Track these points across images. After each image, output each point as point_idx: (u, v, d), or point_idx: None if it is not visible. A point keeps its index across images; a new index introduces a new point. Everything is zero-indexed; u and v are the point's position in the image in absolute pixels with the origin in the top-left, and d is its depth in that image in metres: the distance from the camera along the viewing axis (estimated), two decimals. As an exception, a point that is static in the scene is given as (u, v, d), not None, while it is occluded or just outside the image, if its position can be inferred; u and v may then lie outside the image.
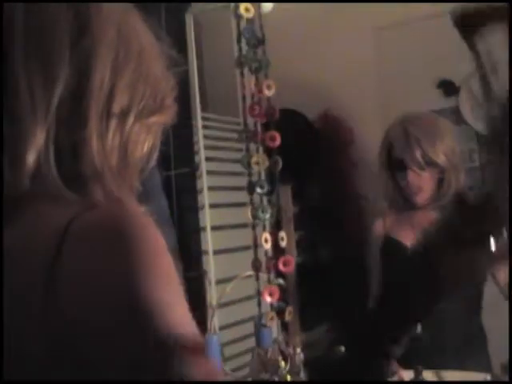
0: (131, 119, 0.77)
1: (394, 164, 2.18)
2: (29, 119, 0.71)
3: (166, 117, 0.84)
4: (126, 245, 0.65)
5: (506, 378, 1.82)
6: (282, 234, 1.68)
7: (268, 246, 1.66)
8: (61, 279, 0.65)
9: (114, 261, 0.65)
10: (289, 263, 1.67)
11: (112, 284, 0.64)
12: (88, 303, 0.64)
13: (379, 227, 2.30)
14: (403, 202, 2.24)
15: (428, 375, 1.80)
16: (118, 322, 0.64)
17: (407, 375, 1.83)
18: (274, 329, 1.71)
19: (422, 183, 2.14)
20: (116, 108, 0.75)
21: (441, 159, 2.13)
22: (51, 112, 0.72)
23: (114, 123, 0.75)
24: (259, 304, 1.67)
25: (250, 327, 1.80)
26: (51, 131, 0.72)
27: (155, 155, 0.85)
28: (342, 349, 1.83)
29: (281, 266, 1.67)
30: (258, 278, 1.67)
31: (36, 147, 0.71)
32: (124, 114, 0.76)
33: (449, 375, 1.89)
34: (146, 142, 0.81)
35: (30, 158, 0.71)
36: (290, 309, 1.69)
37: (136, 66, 0.78)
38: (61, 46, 0.72)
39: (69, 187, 0.73)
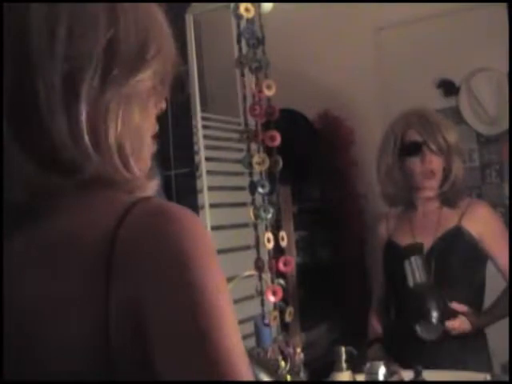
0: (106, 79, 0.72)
1: (407, 149, 2.18)
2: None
3: (151, 70, 0.76)
4: (185, 243, 0.65)
5: (506, 378, 1.82)
6: (283, 233, 1.68)
7: (270, 245, 1.66)
8: (120, 261, 0.64)
9: (169, 252, 0.65)
10: (289, 263, 1.67)
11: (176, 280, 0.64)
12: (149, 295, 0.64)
13: (382, 230, 2.29)
14: (406, 195, 2.22)
15: (428, 375, 1.80)
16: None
17: (407, 375, 1.83)
18: (273, 329, 1.71)
19: (436, 168, 2.14)
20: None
21: (453, 141, 2.15)
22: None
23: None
24: (262, 303, 1.67)
25: (250, 327, 1.80)
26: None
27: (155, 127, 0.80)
28: (354, 351, 1.83)
29: (281, 266, 1.67)
30: (261, 278, 1.67)
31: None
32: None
33: (449, 375, 1.89)
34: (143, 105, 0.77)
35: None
36: (290, 309, 1.69)
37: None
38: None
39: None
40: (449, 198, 2.17)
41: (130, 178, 0.73)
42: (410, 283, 2.01)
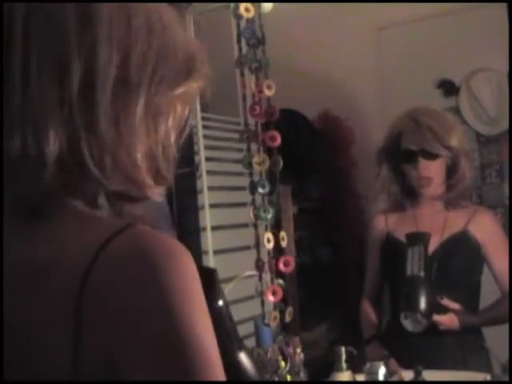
0: (147, 92, 0.71)
1: (403, 155, 2.17)
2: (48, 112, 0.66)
3: (197, 82, 0.77)
4: (159, 276, 0.62)
5: (506, 378, 1.82)
6: (283, 233, 1.68)
7: (270, 245, 1.66)
8: (91, 305, 0.62)
9: (148, 297, 0.62)
10: (289, 263, 1.67)
11: (150, 319, 0.61)
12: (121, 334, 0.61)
13: (380, 225, 2.28)
14: (406, 197, 2.22)
15: (428, 375, 1.80)
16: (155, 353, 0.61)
17: (407, 375, 1.83)
18: (274, 329, 1.71)
19: (433, 174, 2.13)
20: (128, 83, 0.70)
21: (454, 142, 2.13)
22: (68, 103, 0.67)
23: (127, 102, 0.70)
24: (262, 304, 1.67)
25: (250, 327, 1.80)
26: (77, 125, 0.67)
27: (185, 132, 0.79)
28: (354, 351, 1.83)
29: (281, 266, 1.67)
30: (261, 278, 1.67)
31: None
32: (137, 88, 0.70)
33: (449, 375, 1.89)
34: (171, 116, 0.75)
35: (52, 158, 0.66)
36: (289, 310, 1.69)
37: (146, 36, 0.71)
38: (68, 33, 0.68)
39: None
40: (453, 199, 2.17)
41: (143, 193, 0.71)
42: (408, 272, 2.01)
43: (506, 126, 2.84)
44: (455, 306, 2.05)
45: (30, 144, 0.65)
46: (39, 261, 0.66)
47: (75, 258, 0.63)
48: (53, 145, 0.65)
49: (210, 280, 0.93)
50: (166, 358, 0.61)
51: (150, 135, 0.72)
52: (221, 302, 0.96)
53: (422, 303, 1.96)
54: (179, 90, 0.74)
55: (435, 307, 2.00)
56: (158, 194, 0.74)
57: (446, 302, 2.03)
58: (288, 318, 1.68)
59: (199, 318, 0.63)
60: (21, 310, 0.65)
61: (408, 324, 1.98)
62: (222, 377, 0.64)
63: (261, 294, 1.65)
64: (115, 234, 0.64)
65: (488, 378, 1.83)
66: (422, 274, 2.00)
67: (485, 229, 2.16)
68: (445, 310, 2.03)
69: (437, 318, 2.00)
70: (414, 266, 2.01)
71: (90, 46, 0.68)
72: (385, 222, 2.28)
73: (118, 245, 0.63)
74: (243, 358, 0.99)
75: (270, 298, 1.65)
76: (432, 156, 2.12)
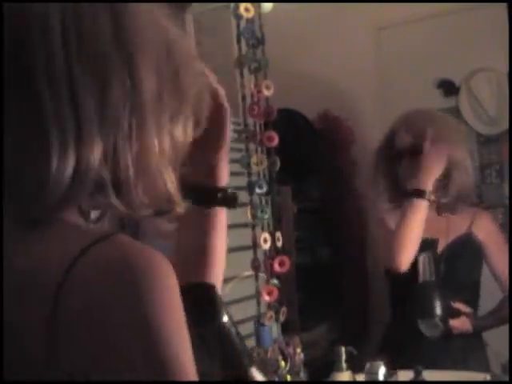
0: (180, 126, 0.72)
1: (397, 155, 2.17)
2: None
3: (182, 104, 0.75)
4: (135, 282, 0.61)
5: (506, 378, 1.82)
6: (278, 234, 1.68)
7: (267, 246, 1.66)
8: (63, 320, 0.61)
9: (123, 304, 0.61)
10: (284, 263, 1.67)
11: (123, 330, 0.61)
12: (95, 347, 0.60)
13: (384, 226, 2.27)
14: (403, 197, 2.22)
15: (428, 375, 1.80)
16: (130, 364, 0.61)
17: (407, 375, 1.83)
18: (274, 329, 1.70)
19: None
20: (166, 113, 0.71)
21: (449, 148, 2.11)
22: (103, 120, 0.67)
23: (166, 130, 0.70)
24: (259, 304, 1.67)
25: (249, 327, 1.79)
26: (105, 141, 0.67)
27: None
28: (354, 351, 1.83)
29: (276, 266, 1.67)
30: (257, 278, 1.67)
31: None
32: (173, 120, 0.71)
33: (449, 375, 1.89)
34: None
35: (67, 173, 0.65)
36: (283, 309, 1.69)
37: (177, 67, 0.72)
38: (105, 48, 0.68)
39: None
40: (449, 205, 2.17)
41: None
42: (421, 279, 2.03)
43: (506, 126, 2.83)
44: (467, 309, 2.07)
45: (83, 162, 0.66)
46: (20, 271, 0.65)
47: (53, 265, 0.63)
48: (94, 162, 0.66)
49: (210, 296, 0.93)
50: (138, 369, 0.60)
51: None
52: (225, 318, 0.96)
53: (438, 308, 1.99)
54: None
55: (450, 311, 2.02)
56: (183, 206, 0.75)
57: (458, 305, 2.05)
58: (282, 318, 1.68)
59: (176, 331, 0.62)
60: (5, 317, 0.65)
61: (425, 329, 2.01)
62: None
63: (257, 295, 1.66)
64: (95, 242, 0.63)
65: (488, 378, 1.83)
66: (433, 278, 2.02)
67: (486, 230, 2.18)
68: (457, 313, 2.05)
69: (451, 322, 2.03)
70: (425, 272, 2.03)
71: (129, 64, 0.69)
72: (388, 224, 2.27)
73: (96, 253, 0.62)
74: (255, 373, 0.99)
75: (266, 297, 1.65)
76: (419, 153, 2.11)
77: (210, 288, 0.95)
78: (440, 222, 2.18)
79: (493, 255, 2.17)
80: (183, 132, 0.75)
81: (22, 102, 0.67)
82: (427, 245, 2.08)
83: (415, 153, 2.11)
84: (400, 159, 2.16)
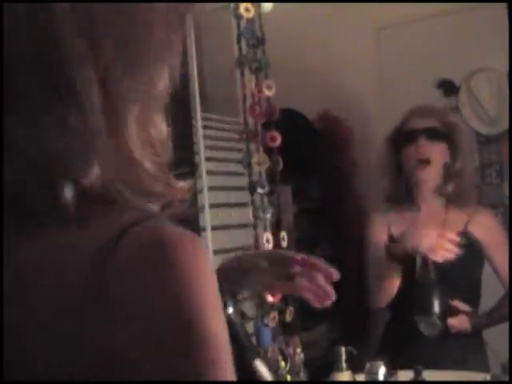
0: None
1: (405, 137, 2.17)
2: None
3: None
4: (176, 268, 0.62)
5: (506, 378, 1.82)
6: (283, 233, 1.68)
7: (270, 246, 1.66)
8: (107, 299, 0.62)
9: (165, 286, 0.62)
10: (289, 263, 1.67)
11: (165, 310, 0.61)
12: (137, 327, 0.61)
13: (381, 227, 2.27)
14: (407, 191, 2.22)
15: (428, 375, 1.80)
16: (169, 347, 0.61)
17: (407, 375, 1.83)
18: (274, 329, 1.71)
19: (432, 156, 2.14)
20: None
21: (457, 135, 2.15)
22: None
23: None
24: (261, 304, 1.67)
25: (250, 327, 1.80)
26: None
27: None
28: (354, 351, 1.83)
29: (279, 267, 1.66)
30: (258, 278, 1.67)
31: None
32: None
33: (449, 375, 1.89)
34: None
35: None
36: (290, 309, 1.69)
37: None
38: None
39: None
40: (454, 196, 2.17)
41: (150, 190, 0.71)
42: (419, 278, 2.03)
43: (506, 126, 2.84)
44: (466, 308, 2.06)
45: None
46: (65, 245, 0.66)
47: (94, 244, 0.64)
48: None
49: None
50: (176, 343, 0.61)
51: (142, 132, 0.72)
52: (230, 310, 0.96)
53: (437, 306, 1.99)
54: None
55: (448, 310, 2.02)
56: (184, 191, 0.75)
57: (457, 303, 2.05)
58: (289, 318, 1.68)
59: (214, 310, 0.64)
60: (34, 299, 0.65)
61: (423, 328, 2.00)
62: (231, 373, 0.64)
63: (259, 295, 1.65)
64: (135, 222, 0.64)
65: (488, 378, 1.83)
66: (432, 277, 2.01)
67: (485, 229, 2.16)
68: (456, 312, 2.04)
69: (449, 321, 2.03)
70: (424, 270, 2.03)
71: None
72: (386, 223, 2.27)
73: (138, 231, 0.64)
74: (259, 365, 0.99)
75: (269, 298, 1.65)
76: (435, 135, 2.12)
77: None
78: (435, 219, 2.17)
79: (494, 254, 2.15)
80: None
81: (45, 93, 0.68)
82: None
83: (428, 132, 2.12)
84: (408, 140, 2.16)
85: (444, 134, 2.15)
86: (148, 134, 0.72)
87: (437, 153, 2.15)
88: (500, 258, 2.13)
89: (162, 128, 0.74)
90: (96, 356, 0.62)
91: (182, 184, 0.75)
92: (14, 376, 0.65)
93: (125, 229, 0.64)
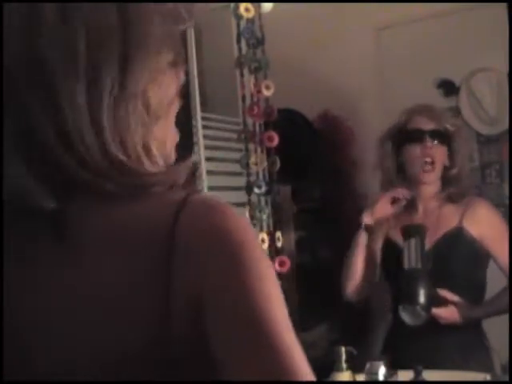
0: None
1: (409, 136, 2.16)
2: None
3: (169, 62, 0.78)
4: (238, 236, 0.68)
5: (506, 378, 1.81)
6: (278, 234, 1.68)
7: (265, 246, 1.66)
8: (181, 253, 0.66)
9: (229, 252, 0.67)
10: (284, 263, 1.67)
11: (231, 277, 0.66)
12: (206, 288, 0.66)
13: (381, 226, 2.27)
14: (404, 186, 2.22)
15: (428, 375, 1.80)
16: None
17: (407, 375, 1.83)
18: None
19: (437, 158, 2.13)
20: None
21: (458, 133, 2.16)
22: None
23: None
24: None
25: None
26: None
27: None
28: (354, 351, 1.83)
29: (277, 267, 1.67)
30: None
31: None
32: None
33: (449, 375, 1.89)
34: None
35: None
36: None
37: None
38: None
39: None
40: (452, 196, 2.16)
41: (160, 176, 0.74)
42: (406, 265, 2.01)
43: (505, 126, 2.84)
44: (455, 298, 2.02)
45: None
46: (121, 226, 0.70)
47: (157, 217, 0.69)
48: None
49: None
50: (244, 296, 0.66)
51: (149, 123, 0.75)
52: None
53: (421, 295, 1.96)
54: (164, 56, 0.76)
55: (435, 300, 1.98)
56: (182, 176, 0.77)
57: (444, 293, 2.01)
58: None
59: (266, 264, 0.69)
60: (105, 272, 0.69)
61: (407, 317, 1.98)
62: (292, 334, 0.68)
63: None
64: (188, 195, 0.70)
65: (488, 378, 1.83)
66: (419, 266, 1.99)
67: (481, 222, 2.12)
68: (445, 303, 2.01)
69: (436, 311, 1.99)
70: (411, 258, 2.01)
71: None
72: (386, 223, 2.27)
73: (195, 201, 0.69)
74: None
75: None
76: (439, 138, 2.12)
77: None
78: (429, 218, 2.16)
79: (494, 247, 2.10)
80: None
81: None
82: (413, 231, 2.06)
83: (434, 134, 2.12)
84: (413, 140, 2.16)
85: (446, 137, 2.15)
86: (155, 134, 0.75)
87: (440, 155, 2.14)
88: (502, 252, 2.06)
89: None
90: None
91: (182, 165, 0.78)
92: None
93: (180, 202, 0.69)
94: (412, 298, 1.96)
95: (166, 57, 0.76)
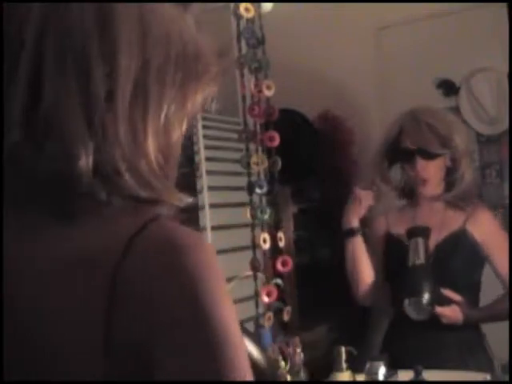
0: (165, 99, 0.72)
1: (401, 154, 2.16)
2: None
3: (204, 84, 0.76)
4: (189, 265, 0.64)
5: (506, 378, 1.81)
6: (280, 234, 1.68)
7: (266, 246, 1.66)
8: (124, 293, 0.63)
9: (179, 282, 0.63)
10: (287, 263, 1.67)
11: (181, 307, 0.63)
12: (152, 322, 0.62)
13: (380, 223, 2.28)
14: (405, 195, 2.23)
15: (428, 375, 1.80)
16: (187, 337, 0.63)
17: (407, 375, 1.83)
18: (274, 329, 1.70)
19: (431, 174, 2.12)
20: (146, 90, 0.71)
21: (454, 142, 2.12)
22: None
23: (150, 109, 0.71)
24: (257, 304, 1.67)
25: (250, 327, 1.80)
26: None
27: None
28: (354, 351, 1.83)
29: (279, 266, 1.67)
30: (255, 278, 1.67)
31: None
32: (155, 96, 0.71)
33: (449, 375, 1.89)
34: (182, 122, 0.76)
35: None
36: (288, 309, 1.69)
37: (165, 43, 0.72)
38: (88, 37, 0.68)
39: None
40: (452, 200, 2.17)
41: (161, 189, 0.72)
42: (410, 262, 2.03)
43: (506, 126, 2.84)
44: (458, 297, 2.05)
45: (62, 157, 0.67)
46: (67, 255, 0.67)
47: (107, 247, 0.65)
48: (84, 159, 0.67)
49: None
50: (196, 344, 0.63)
51: (161, 141, 0.73)
52: None
53: (426, 290, 1.99)
54: (193, 95, 0.76)
55: (438, 299, 2.01)
56: (178, 198, 0.75)
57: (448, 293, 2.04)
58: (286, 318, 1.68)
59: (225, 306, 0.65)
60: (46, 300, 0.66)
61: (411, 312, 2.00)
62: (247, 364, 0.66)
63: (256, 295, 1.65)
64: (146, 224, 0.66)
65: (488, 378, 1.83)
66: (424, 262, 2.01)
67: (484, 227, 2.14)
68: (448, 302, 2.03)
69: (440, 309, 2.00)
70: (415, 255, 2.04)
71: (111, 51, 0.69)
72: (385, 221, 2.27)
73: (150, 234, 0.66)
74: (249, 346, 0.99)
75: (265, 298, 1.65)
76: (430, 156, 2.12)
77: None
78: (434, 217, 2.17)
79: (493, 253, 2.13)
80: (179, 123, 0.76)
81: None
82: (418, 232, 2.08)
83: (423, 153, 2.11)
84: (405, 158, 2.16)
85: (441, 150, 2.13)
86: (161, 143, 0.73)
87: (435, 170, 2.14)
88: (500, 258, 2.11)
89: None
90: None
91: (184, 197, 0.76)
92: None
93: (141, 227, 0.65)
94: (417, 292, 1.99)
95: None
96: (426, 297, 1.98)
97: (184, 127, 0.77)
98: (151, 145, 0.71)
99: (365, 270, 2.23)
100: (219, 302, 0.64)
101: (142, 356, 0.62)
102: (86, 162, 0.66)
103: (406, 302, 2.00)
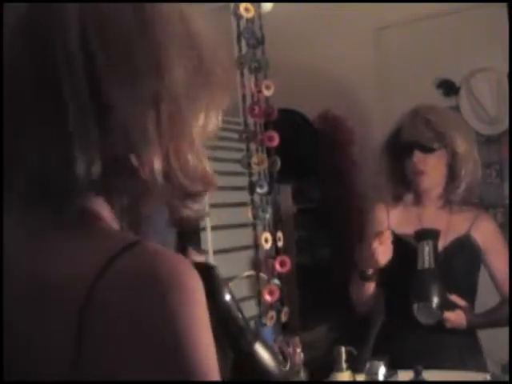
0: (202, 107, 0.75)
1: (401, 148, 2.18)
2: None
3: (213, 92, 0.76)
4: (165, 296, 0.61)
5: (506, 378, 1.81)
6: (279, 234, 1.68)
7: (268, 245, 1.66)
8: (94, 325, 0.61)
9: (152, 312, 0.61)
10: (285, 263, 1.67)
11: (154, 338, 0.61)
12: (124, 354, 0.61)
13: (381, 219, 2.27)
14: (407, 192, 2.23)
15: (428, 375, 1.80)
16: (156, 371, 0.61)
17: (407, 375, 1.83)
18: (274, 329, 1.70)
19: (428, 167, 2.13)
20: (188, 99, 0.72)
21: (454, 140, 2.13)
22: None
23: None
24: (259, 304, 1.67)
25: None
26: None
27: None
28: (354, 351, 1.83)
29: (277, 266, 1.67)
30: (258, 278, 1.67)
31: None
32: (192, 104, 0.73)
33: (449, 375, 1.89)
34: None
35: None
36: (285, 310, 1.69)
37: (197, 55, 0.73)
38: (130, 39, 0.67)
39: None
40: (454, 201, 2.17)
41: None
42: (419, 266, 2.03)
43: (506, 126, 2.84)
44: (463, 302, 2.06)
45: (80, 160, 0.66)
46: (47, 276, 0.65)
47: (82, 273, 0.63)
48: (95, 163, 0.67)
49: (209, 276, 0.95)
50: (164, 373, 0.60)
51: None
52: (227, 297, 0.98)
53: (435, 295, 1.99)
54: (199, 102, 0.76)
55: (445, 303, 2.02)
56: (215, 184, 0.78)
57: (455, 298, 2.05)
58: (284, 318, 1.68)
59: (203, 342, 0.63)
60: (26, 321, 0.65)
61: (421, 316, 2.00)
62: None
63: (257, 294, 1.66)
64: (122, 250, 0.63)
65: (488, 378, 1.83)
66: (434, 266, 2.02)
67: (486, 234, 2.18)
68: (453, 306, 2.04)
69: (447, 314, 2.02)
70: (425, 259, 2.04)
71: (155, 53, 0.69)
72: (386, 218, 2.27)
73: (124, 263, 0.63)
74: (259, 348, 1.00)
75: (267, 297, 1.65)
76: (427, 149, 2.13)
77: (211, 268, 0.99)
78: (439, 220, 2.17)
79: (492, 259, 2.17)
80: (215, 118, 0.79)
81: (43, 101, 0.67)
82: (428, 234, 2.09)
83: (419, 146, 2.12)
84: (404, 152, 2.16)
85: (438, 144, 2.13)
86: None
87: (433, 164, 2.14)
88: (499, 265, 2.15)
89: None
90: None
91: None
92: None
93: (115, 254, 0.63)
94: (427, 297, 1.99)
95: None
96: (435, 301, 1.99)
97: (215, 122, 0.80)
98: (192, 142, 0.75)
99: (369, 296, 2.23)
100: (194, 335, 0.62)
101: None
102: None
103: (416, 306, 2.00)
